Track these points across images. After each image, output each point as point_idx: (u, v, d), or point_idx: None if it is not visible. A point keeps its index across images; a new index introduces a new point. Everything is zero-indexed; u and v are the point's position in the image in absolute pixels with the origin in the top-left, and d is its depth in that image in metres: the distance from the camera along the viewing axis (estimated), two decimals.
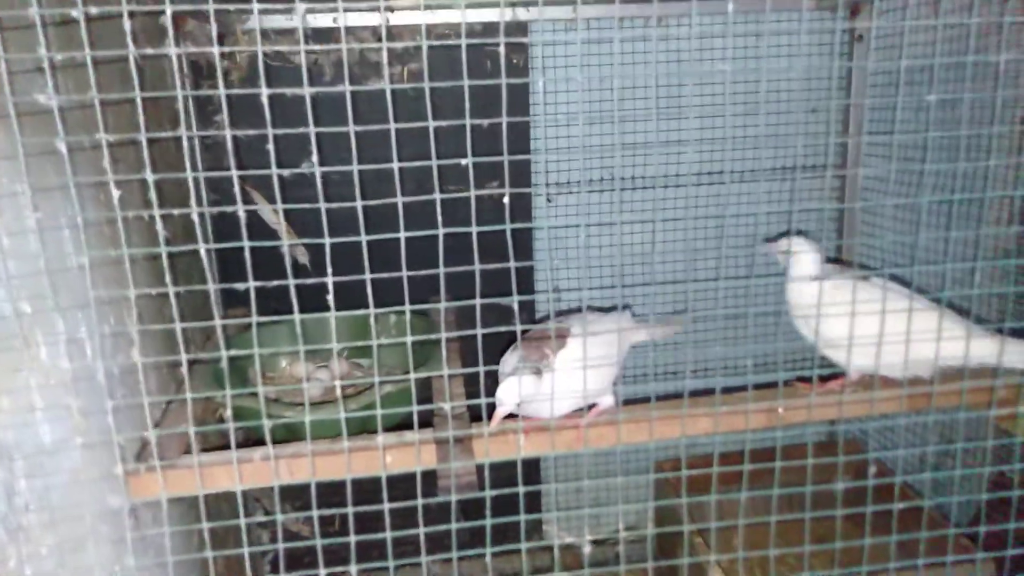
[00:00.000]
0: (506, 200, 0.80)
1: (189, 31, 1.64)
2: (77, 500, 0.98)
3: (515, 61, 1.85)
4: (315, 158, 0.72)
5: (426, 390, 1.37)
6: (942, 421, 1.59)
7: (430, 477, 1.11)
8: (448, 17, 1.75)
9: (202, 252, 0.74)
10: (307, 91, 0.70)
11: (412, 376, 0.92)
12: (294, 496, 2.04)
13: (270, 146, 0.72)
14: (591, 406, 1.24)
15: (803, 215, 1.99)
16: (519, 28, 1.81)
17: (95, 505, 1.02)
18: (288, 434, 1.25)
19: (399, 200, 0.77)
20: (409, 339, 0.86)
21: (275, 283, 0.79)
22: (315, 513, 0.88)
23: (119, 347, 1.14)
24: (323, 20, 1.71)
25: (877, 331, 1.07)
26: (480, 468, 1.11)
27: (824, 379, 1.28)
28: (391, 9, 1.69)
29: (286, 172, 0.74)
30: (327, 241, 0.78)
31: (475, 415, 1.21)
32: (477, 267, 0.82)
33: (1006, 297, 1.43)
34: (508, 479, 1.02)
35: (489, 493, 0.95)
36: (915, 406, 1.25)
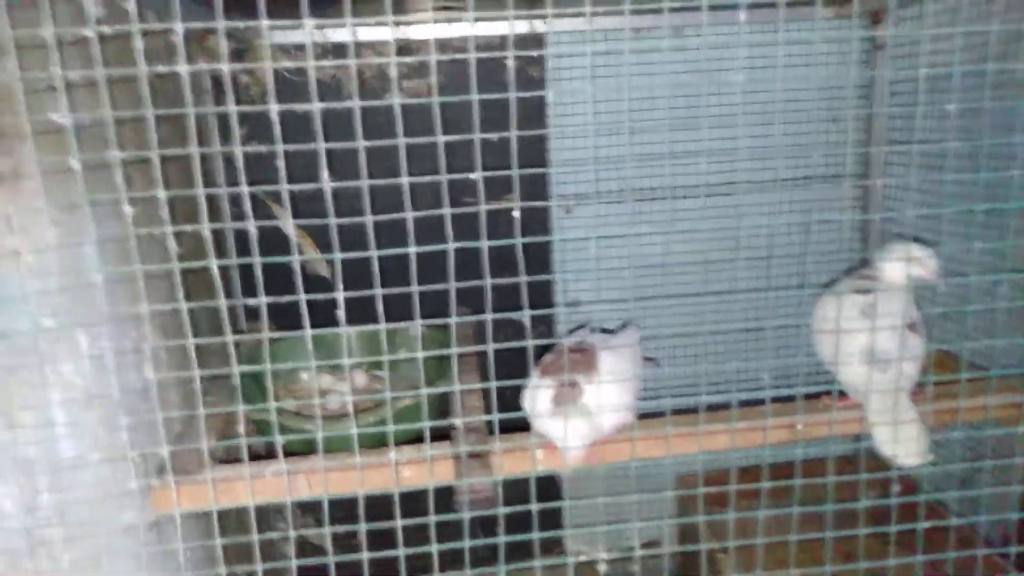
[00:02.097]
0: (516, 214, 0.80)
1: (210, 47, 1.66)
2: (98, 515, 0.99)
3: (532, 74, 1.85)
4: (325, 173, 0.72)
5: (447, 404, 1.36)
6: (973, 437, 1.55)
7: (450, 492, 1.11)
8: (466, 30, 1.75)
9: (213, 268, 0.75)
10: (316, 106, 0.70)
11: (424, 391, 0.91)
12: (318, 509, 2.04)
13: (280, 162, 0.72)
14: None
15: (823, 225, 1.96)
16: (535, 40, 1.81)
17: (116, 520, 1.03)
18: (309, 447, 1.25)
19: (409, 215, 0.78)
20: (421, 354, 0.86)
21: (287, 298, 0.79)
22: (327, 530, 0.88)
23: (142, 362, 1.15)
24: (343, 35, 1.72)
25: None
26: (498, 484, 1.10)
27: (845, 394, 1.26)
28: (407, 24, 1.70)
29: (296, 187, 0.74)
30: (337, 256, 0.78)
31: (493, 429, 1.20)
32: (488, 281, 0.82)
33: None
34: (525, 495, 1.01)
35: (503, 510, 0.95)
36: (942, 421, 1.21)
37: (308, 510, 2.05)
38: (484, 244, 0.80)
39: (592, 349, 1.23)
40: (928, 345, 1.26)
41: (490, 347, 0.87)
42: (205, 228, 0.73)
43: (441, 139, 0.76)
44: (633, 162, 1.81)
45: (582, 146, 1.90)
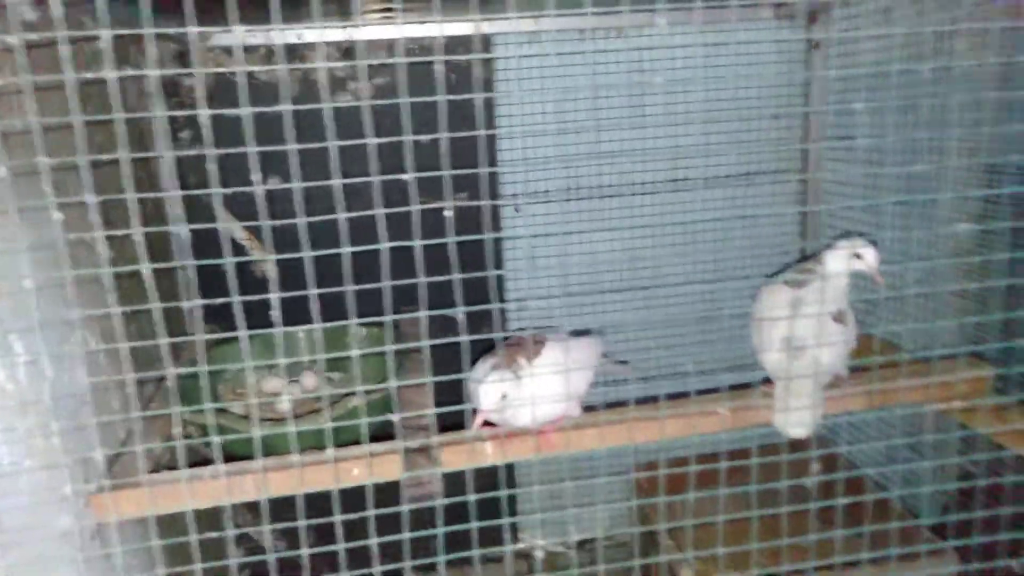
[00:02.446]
0: (447, 214, 0.82)
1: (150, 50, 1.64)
2: (33, 521, 0.98)
3: (478, 74, 1.86)
4: (256, 176, 0.73)
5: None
6: (896, 417, 1.62)
7: (397, 487, 1.12)
8: (414, 32, 1.76)
9: (145, 271, 0.75)
10: (247, 111, 0.71)
11: (361, 388, 0.93)
12: (273, 511, 2.02)
13: (212, 165, 0.73)
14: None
15: (765, 219, 2.02)
16: (482, 42, 1.83)
17: (51, 526, 1.02)
18: (258, 450, 1.25)
19: (342, 215, 0.79)
20: (356, 352, 0.87)
21: (222, 300, 0.80)
22: (266, 528, 0.89)
23: (83, 366, 1.14)
24: (289, 36, 1.71)
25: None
26: (444, 476, 1.12)
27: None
28: (352, 26, 1.70)
29: (228, 191, 0.75)
30: (273, 257, 0.79)
31: (445, 425, 1.22)
32: (423, 279, 0.84)
33: (966, 295, 1.47)
34: (481, 487, 1.04)
35: (442, 502, 0.97)
36: (871, 403, 1.27)
37: (258, 511, 2.03)
38: (418, 243, 0.82)
39: (541, 340, 1.26)
40: (860, 331, 1.33)
41: (426, 343, 0.89)
42: (136, 232, 0.73)
43: (373, 141, 0.78)
44: (578, 161, 1.84)
45: (531, 145, 1.92)
